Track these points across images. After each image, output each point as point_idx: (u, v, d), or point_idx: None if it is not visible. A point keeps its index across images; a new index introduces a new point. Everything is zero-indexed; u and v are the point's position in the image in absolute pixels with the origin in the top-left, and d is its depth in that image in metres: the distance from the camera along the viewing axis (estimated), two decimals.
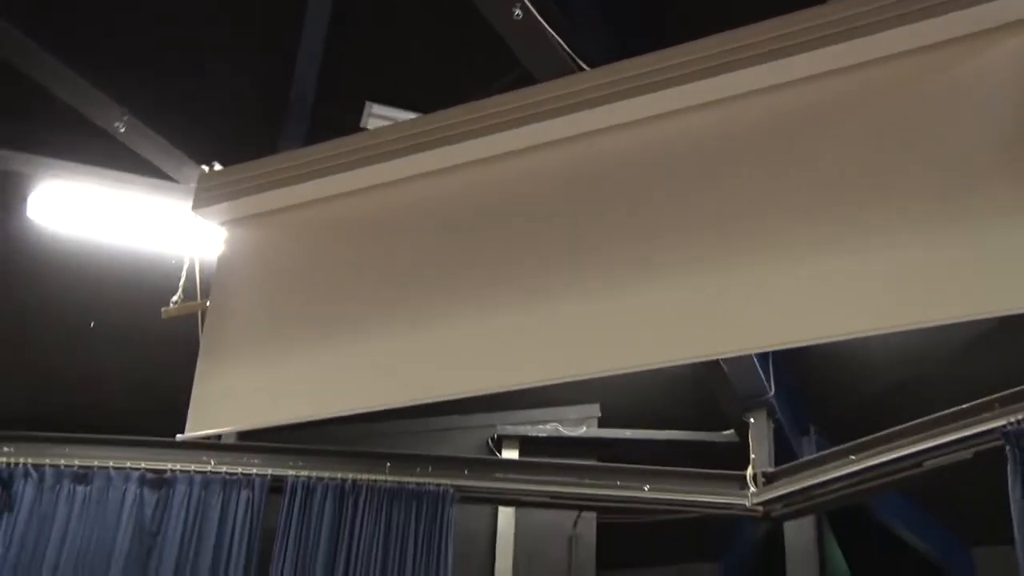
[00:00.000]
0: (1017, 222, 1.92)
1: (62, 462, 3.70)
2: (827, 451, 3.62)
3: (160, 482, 3.71)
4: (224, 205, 2.87)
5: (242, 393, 2.71)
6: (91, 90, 2.83)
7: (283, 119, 3.25)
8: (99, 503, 3.65)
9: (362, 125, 3.30)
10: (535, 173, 2.53)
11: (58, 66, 2.75)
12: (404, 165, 2.64)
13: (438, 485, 3.73)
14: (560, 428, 4.33)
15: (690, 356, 2.33)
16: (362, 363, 2.55)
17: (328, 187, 2.74)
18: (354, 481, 3.71)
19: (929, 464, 3.20)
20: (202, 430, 2.76)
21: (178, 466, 3.70)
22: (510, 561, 4.11)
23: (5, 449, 3.70)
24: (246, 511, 3.65)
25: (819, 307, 2.05)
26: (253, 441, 3.75)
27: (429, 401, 2.53)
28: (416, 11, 3.15)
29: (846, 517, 4.32)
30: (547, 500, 3.84)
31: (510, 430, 4.34)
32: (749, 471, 3.74)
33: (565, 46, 2.53)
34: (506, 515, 4.19)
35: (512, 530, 4.17)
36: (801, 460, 3.77)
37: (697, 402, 4.15)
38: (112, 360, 4.03)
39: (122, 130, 2.95)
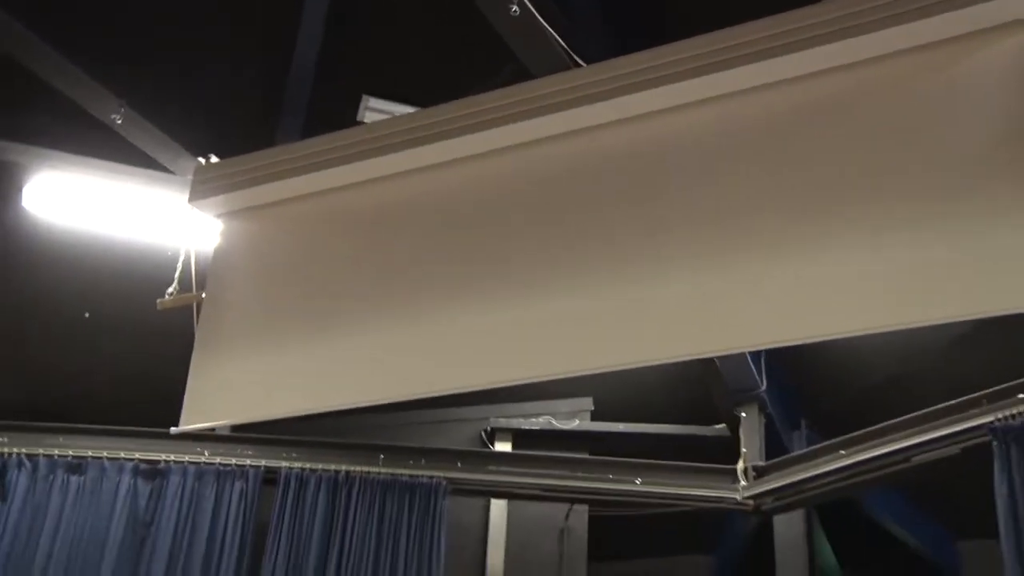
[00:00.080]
0: (1013, 222, 1.94)
1: (56, 452, 3.72)
2: (817, 446, 3.66)
3: (154, 473, 3.72)
4: (220, 197, 2.87)
5: (237, 386, 2.72)
6: (89, 82, 2.83)
7: (280, 113, 3.25)
8: (93, 493, 3.66)
9: (359, 119, 3.31)
10: (532, 169, 2.54)
11: (57, 58, 2.75)
12: (401, 159, 2.65)
13: (431, 477, 3.75)
14: (553, 421, 4.35)
15: (686, 353, 2.34)
16: (358, 357, 2.56)
17: (325, 181, 2.75)
18: (347, 473, 3.73)
19: (918, 459, 3.23)
20: (196, 423, 2.76)
21: (172, 457, 3.72)
22: (502, 553, 4.14)
23: None
24: (240, 502, 3.67)
25: (815, 306, 2.07)
26: (247, 432, 3.76)
27: (424, 396, 2.55)
28: (415, 8, 3.16)
29: (835, 511, 4.36)
30: (539, 493, 3.87)
31: (503, 423, 4.36)
32: (740, 465, 3.77)
33: (562, 43, 2.54)
34: (498, 507, 4.22)
35: (504, 522, 4.19)
36: (792, 454, 3.80)
37: (689, 396, 4.18)
38: (107, 351, 4.03)
39: (119, 122, 2.95)
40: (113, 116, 2.95)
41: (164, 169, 3.15)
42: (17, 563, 3.54)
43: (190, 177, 2.92)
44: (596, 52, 2.60)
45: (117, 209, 3.28)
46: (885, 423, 3.32)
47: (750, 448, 3.83)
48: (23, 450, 3.70)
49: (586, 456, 4.11)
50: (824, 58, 2.21)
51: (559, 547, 4.19)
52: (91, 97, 2.89)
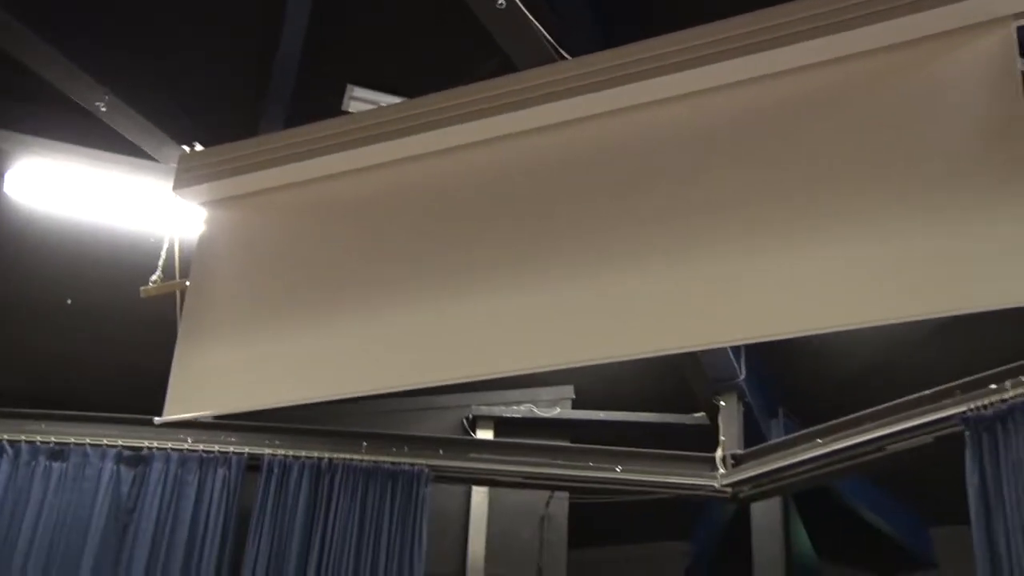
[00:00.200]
0: (994, 217, 1.97)
1: (38, 438, 3.71)
2: (794, 434, 3.71)
3: (137, 459, 3.72)
4: (205, 186, 2.87)
5: (221, 377, 2.72)
6: (73, 69, 2.82)
7: (265, 101, 3.24)
8: (75, 479, 3.66)
9: (343, 108, 3.32)
10: (516, 160, 2.56)
11: (41, 46, 2.74)
12: (386, 149, 2.66)
13: (413, 465, 3.78)
14: (534, 409, 4.38)
15: (668, 347, 2.36)
16: (344, 348, 2.57)
17: (310, 170, 2.76)
18: (330, 460, 3.75)
19: (892, 448, 3.28)
20: (180, 414, 2.77)
21: (155, 443, 3.71)
22: (483, 540, 4.17)
23: None
24: (223, 489, 3.68)
25: (798, 301, 2.09)
26: (230, 419, 3.77)
27: (409, 387, 2.57)
28: None
29: (811, 499, 4.42)
30: (520, 480, 3.90)
31: (485, 411, 4.39)
32: (718, 453, 3.82)
33: (548, 37, 2.56)
34: (480, 495, 4.25)
35: (485, 509, 4.22)
36: (769, 443, 3.84)
37: (669, 385, 4.22)
38: (90, 338, 4.02)
39: (103, 109, 2.94)
40: (97, 104, 2.94)
41: (148, 157, 3.14)
42: None
43: (174, 165, 2.92)
44: (582, 45, 2.62)
45: (100, 196, 3.27)
46: (861, 412, 3.38)
47: (729, 436, 3.88)
48: (5, 436, 3.69)
49: (567, 444, 4.15)
50: (808, 54, 2.25)
51: (540, 534, 4.23)
52: (75, 85, 2.89)
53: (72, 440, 3.71)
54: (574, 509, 4.28)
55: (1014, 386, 2.96)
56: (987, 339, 3.43)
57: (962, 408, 3.06)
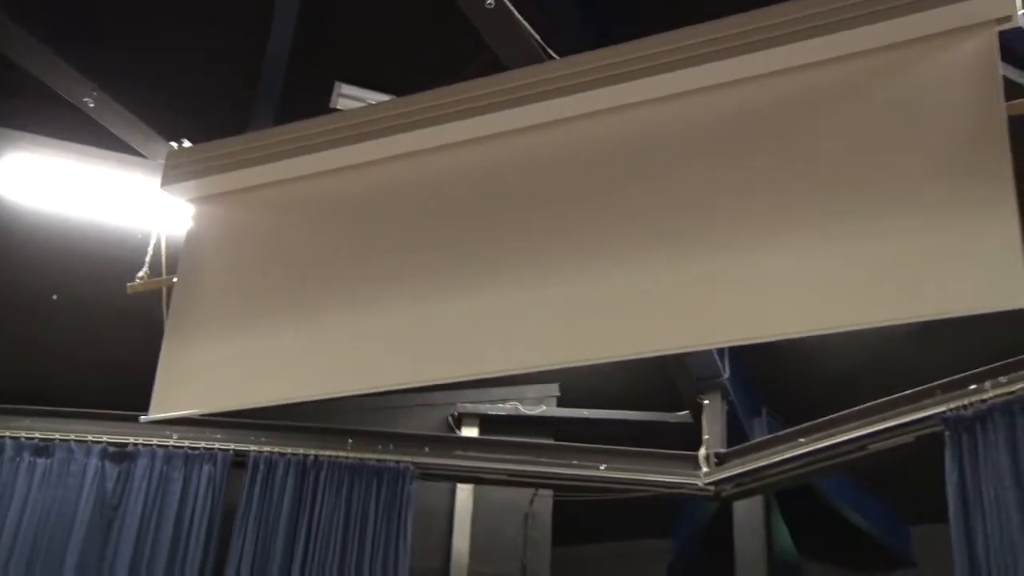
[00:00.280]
0: (973, 221, 2.00)
1: (23, 435, 3.71)
2: (777, 434, 3.74)
3: (122, 455, 3.72)
4: (193, 183, 2.87)
5: (208, 375, 2.70)
6: (61, 65, 2.82)
7: (254, 98, 3.25)
8: (59, 476, 3.66)
9: (332, 105, 3.33)
10: (507, 159, 2.58)
11: (29, 41, 2.74)
12: (376, 147, 2.67)
13: (398, 462, 3.79)
14: (519, 407, 4.40)
15: (659, 349, 2.38)
16: (331, 347, 2.56)
17: (299, 167, 2.76)
18: (316, 457, 3.76)
19: (873, 447, 3.32)
20: (166, 412, 2.76)
21: (140, 440, 3.71)
22: (467, 537, 4.19)
23: None
24: (208, 485, 3.68)
25: (781, 303, 2.11)
26: (216, 416, 3.77)
27: (398, 387, 2.57)
28: None
29: (793, 497, 4.46)
30: (505, 478, 3.92)
31: (470, 408, 4.40)
32: (702, 452, 3.85)
33: (537, 36, 2.58)
34: (464, 492, 4.27)
35: (470, 507, 4.24)
36: (752, 442, 3.88)
37: (653, 383, 4.24)
38: (76, 334, 4.01)
39: (91, 105, 2.94)
40: (85, 99, 2.94)
41: (136, 153, 3.14)
42: None
43: (162, 161, 2.93)
44: (571, 44, 2.64)
45: (88, 192, 3.27)
46: (843, 412, 3.42)
47: (712, 435, 3.91)
48: None
49: (552, 442, 4.17)
50: (795, 55, 2.27)
51: (524, 531, 4.25)
52: (63, 80, 2.88)
53: (57, 436, 3.70)
54: (558, 507, 4.30)
55: (993, 387, 3.01)
56: (967, 339, 3.47)
57: (942, 408, 3.10)
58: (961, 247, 1.99)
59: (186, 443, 3.74)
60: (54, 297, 3.86)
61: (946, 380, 3.15)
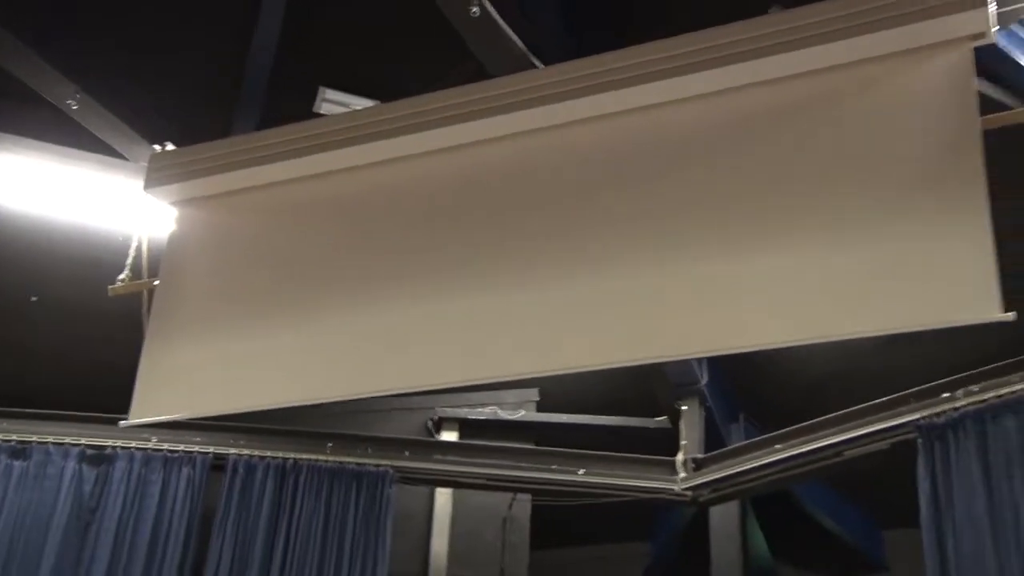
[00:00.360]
0: (943, 233, 2.05)
1: None
2: (753, 440, 3.78)
3: (100, 458, 3.70)
4: (176, 186, 2.88)
5: (189, 380, 2.71)
6: (45, 67, 2.82)
7: (237, 102, 3.26)
8: (36, 478, 3.63)
9: (315, 110, 3.34)
10: (489, 166, 2.60)
11: (13, 43, 2.73)
12: (359, 153, 2.69)
13: (378, 466, 3.80)
14: (499, 411, 4.41)
15: (630, 359, 2.41)
16: (314, 353, 2.57)
17: (282, 172, 2.77)
18: (295, 460, 3.75)
19: (849, 454, 3.37)
20: (147, 417, 2.76)
21: (119, 443, 3.69)
22: (446, 541, 4.20)
23: None
24: (187, 488, 3.67)
25: (763, 314, 2.15)
26: (195, 419, 3.75)
27: (377, 394, 2.57)
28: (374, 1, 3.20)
29: (768, 502, 4.50)
30: (484, 482, 3.94)
31: (450, 412, 4.41)
32: (679, 457, 3.88)
33: (521, 44, 2.61)
34: (443, 496, 4.28)
35: (449, 511, 4.25)
36: (728, 448, 3.91)
37: (632, 389, 4.27)
38: (55, 336, 3.99)
39: (74, 107, 2.94)
40: (68, 102, 2.94)
41: (119, 155, 3.14)
42: None
43: (145, 164, 2.93)
44: (554, 53, 2.67)
45: (70, 194, 3.26)
46: (819, 419, 3.46)
47: (690, 440, 3.94)
48: None
49: (531, 446, 4.19)
50: (774, 68, 2.31)
51: (502, 535, 4.27)
52: (47, 82, 2.88)
53: (34, 439, 3.68)
54: (537, 511, 4.32)
55: (965, 395, 3.06)
56: (941, 347, 3.52)
57: (916, 416, 3.15)
58: (936, 260, 2.03)
59: (165, 446, 3.72)
60: (33, 299, 3.84)
61: (920, 388, 3.20)
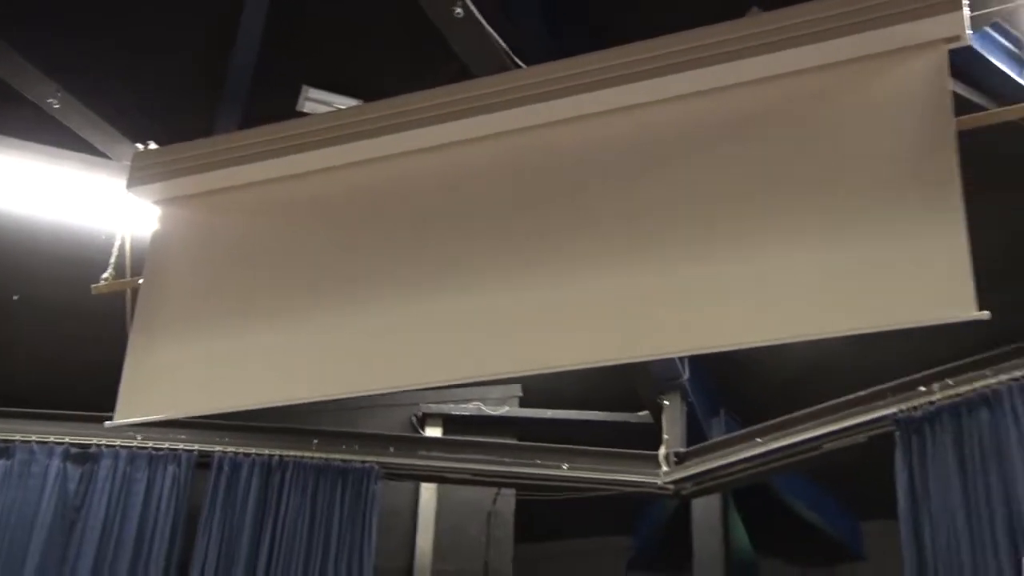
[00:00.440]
0: (918, 233, 2.08)
1: None
2: (734, 434, 3.83)
3: (84, 456, 3.70)
4: (159, 184, 2.87)
5: (174, 380, 2.70)
6: (26, 66, 2.82)
7: (220, 101, 3.26)
8: (20, 477, 3.63)
9: (298, 108, 3.35)
10: (472, 166, 2.61)
11: None
12: (342, 152, 2.69)
13: (363, 462, 3.82)
14: (482, 407, 4.44)
15: (610, 358, 2.44)
16: (295, 354, 2.57)
17: (266, 170, 2.77)
18: (281, 457, 3.77)
19: (828, 447, 3.43)
20: (132, 417, 2.75)
21: (103, 441, 3.70)
22: (431, 536, 4.23)
23: None
24: (172, 486, 3.68)
25: (742, 313, 2.17)
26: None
27: (367, 393, 2.57)
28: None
29: (749, 495, 4.55)
30: (469, 477, 3.97)
31: (434, 408, 4.44)
32: (662, 451, 3.93)
33: (504, 45, 2.62)
34: (428, 491, 4.31)
35: (434, 506, 4.28)
36: (710, 441, 3.97)
37: (614, 384, 4.30)
38: (38, 335, 3.98)
39: (56, 106, 2.94)
40: (50, 100, 2.93)
41: (101, 154, 3.13)
42: None
43: (127, 163, 2.92)
44: (536, 55, 2.69)
45: (52, 193, 3.25)
46: (799, 412, 3.51)
47: (672, 435, 3.99)
48: None
49: (514, 442, 4.23)
50: (751, 70, 2.33)
51: (487, 530, 4.30)
52: (28, 81, 2.87)
53: (18, 437, 3.68)
54: (521, 505, 4.35)
55: (941, 389, 3.12)
56: (918, 342, 3.56)
57: (893, 410, 3.21)
58: (912, 260, 2.06)
59: (150, 444, 3.73)
60: (15, 297, 3.82)
61: (897, 382, 3.25)
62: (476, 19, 2.58)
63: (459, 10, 2.56)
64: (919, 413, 3.14)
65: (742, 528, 4.74)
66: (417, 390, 4.41)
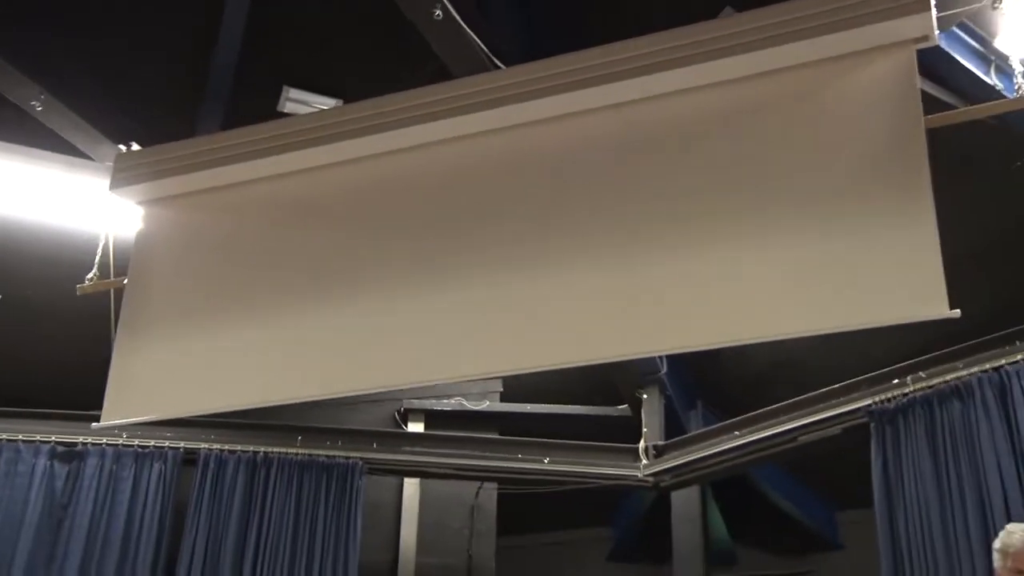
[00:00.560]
0: (886, 230, 2.13)
1: None
2: (712, 426, 3.89)
3: (71, 455, 3.72)
4: (142, 186, 2.89)
5: (161, 381, 2.72)
6: (9, 68, 2.82)
7: (202, 102, 3.27)
8: (7, 475, 3.64)
9: (279, 108, 3.37)
10: (452, 165, 2.65)
11: None
12: (322, 153, 2.72)
13: (347, 458, 3.86)
14: (464, 402, 4.48)
15: (599, 357, 2.48)
16: (280, 354, 2.60)
17: (247, 171, 2.79)
18: (266, 454, 3.80)
19: (803, 439, 3.49)
20: (119, 418, 2.77)
21: (90, 439, 3.71)
22: (415, 530, 4.26)
23: None
24: (158, 483, 3.70)
25: (715, 313, 2.22)
26: None
27: (350, 393, 2.57)
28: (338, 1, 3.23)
29: (727, 486, 4.62)
30: (451, 472, 4.02)
31: (416, 403, 4.47)
32: (641, 444, 3.98)
33: (483, 46, 2.66)
34: (412, 486, 4.34)
35: (417, 500, 4.32)
36: (689, 435, 4.02)
37: (594, 379, 4.35)
38: (23, 335, 3.97)
39: (39, 108, 2.95)
40: (33, 103, 2.94)
41: (84, 155, 3.15)
42: None
43: (110, 164, 2.94)
44: (514, 56, 2.73)
45: (35, 194, 3.26)
46: (775, 405, 3.57)
47: (651, 428, 4.04)
48: None
49: (496, 436, 4.26)
50: (726, 70, 2.38)
51: (470, 523, 4.34)
52: (11, 83, 2.88)
53: (4, 436, 3.69)
54: (503, 498, 4.40)
55: (914, 381, 3.19)
56: (891, 334, 3.63)
57: (867, 402, 3.28)
58: (884, 259, 2.11)
59: (136, 442, 3.75)
60: None
61: (870, 375, 3.31)
62: (456, 21, 2.62)
63: (439, 12, 2.59)
64: (893, 405, 3.20)
65: (720, 519, 4.80)
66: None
